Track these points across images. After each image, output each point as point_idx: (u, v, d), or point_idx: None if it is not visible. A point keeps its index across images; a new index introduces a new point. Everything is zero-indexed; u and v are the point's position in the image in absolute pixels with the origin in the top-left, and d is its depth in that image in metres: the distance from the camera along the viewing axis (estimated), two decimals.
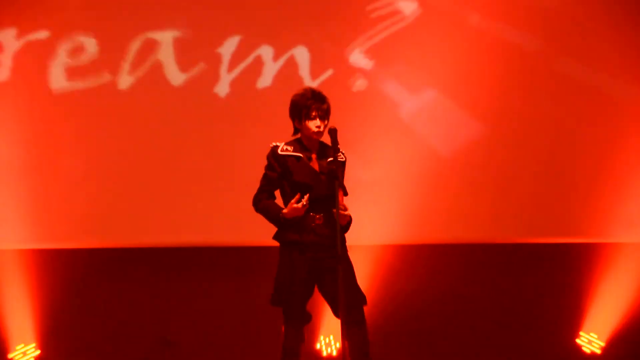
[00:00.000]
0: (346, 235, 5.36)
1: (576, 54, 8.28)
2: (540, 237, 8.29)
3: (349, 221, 5.30)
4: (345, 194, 5.41)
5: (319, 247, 5.25)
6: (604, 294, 8.18)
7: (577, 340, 8.15)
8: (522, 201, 8.15)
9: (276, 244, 5.41)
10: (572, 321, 8.20)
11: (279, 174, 5.29)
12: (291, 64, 8.07)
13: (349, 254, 5.38)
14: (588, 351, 8.10)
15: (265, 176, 5.35)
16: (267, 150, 5.40)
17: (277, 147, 5.34)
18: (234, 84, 8.04)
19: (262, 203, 5.32)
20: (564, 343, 8.17)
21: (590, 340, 8.11)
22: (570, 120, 8.23)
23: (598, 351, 8.08)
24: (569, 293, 8.24)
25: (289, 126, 5.44)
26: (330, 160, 5.24)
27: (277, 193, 5.56)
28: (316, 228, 5.26)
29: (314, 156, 5.34)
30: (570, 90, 8.23)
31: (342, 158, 5.41)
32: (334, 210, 4.99)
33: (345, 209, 5.17)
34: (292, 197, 5.18)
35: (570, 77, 8.23)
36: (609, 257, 8.23)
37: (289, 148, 5.34)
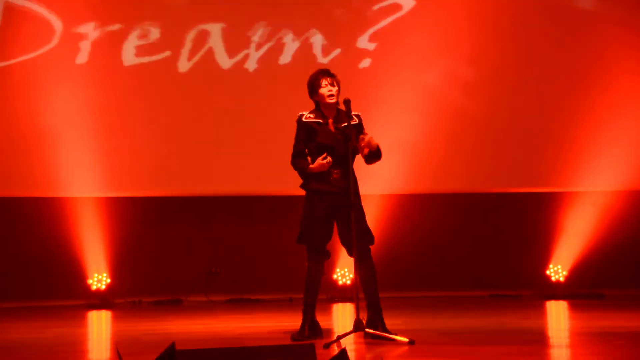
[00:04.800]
0: (360, 187, 5.79)
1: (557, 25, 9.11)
2: (518, 187, 9.21)
3: (377, 148, 5.70)
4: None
5: (336, 195, 5.69)
6: (568, 234, 9.22)
7: (547, 271, 9.27)
8: (504, 158, 9.04)
9: (301, 193, 5.82)
10: (543, 256, 9.29)
11: (305, 138, 5.81)
12: (306, 44, 8.96)
13: (362, 201, 5.82)
14: (554, 279, 9.24)
15: (295, 139, 5.87)
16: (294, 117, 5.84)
17: (302, 115, 5.84)
18: (260, 60, 8.95)
19: (295, 161, 5.85)
20: (536, 273, 9.25)
21: (557, 270, 9.24)
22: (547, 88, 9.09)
23: (562, 279, 9.22)
24: (541, 234, 9.28)
25: (303, 93, 5.70)
26: (345, 125, 5.67)
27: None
28: (334, 180, 5.71)
29: (330, 121, 5.77)
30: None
31: (355, 121, 5.78)
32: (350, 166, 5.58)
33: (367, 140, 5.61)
34: (317, 155, 5.70)
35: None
36: (571, 203, 9.25)
37: (310, 116, 5.81)
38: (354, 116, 5.82)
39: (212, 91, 8.92)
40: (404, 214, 9.11)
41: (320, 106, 5.86)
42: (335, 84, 5.82)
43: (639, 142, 9.08)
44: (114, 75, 8.84)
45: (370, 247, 5.82)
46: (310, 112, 5.87)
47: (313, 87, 5.84)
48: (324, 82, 5.79)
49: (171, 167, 8.87)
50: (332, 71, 5.90)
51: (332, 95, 5.76)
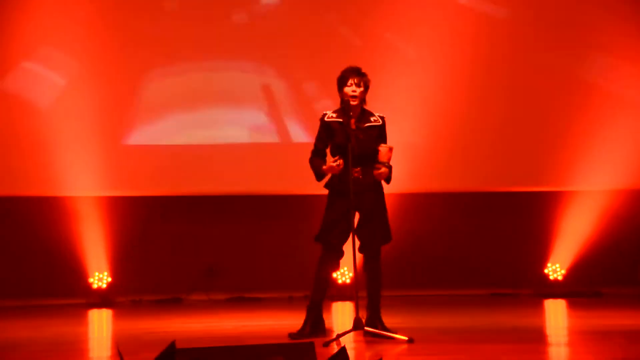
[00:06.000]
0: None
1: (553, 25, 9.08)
2: (517, 187, 9.22)
3: (388, 175, 5.75)
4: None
5: (355, 194, 5.58)
6: (566, 233, 9.23)
7: (545, 270, 9.29)
8: (502, 158, 9.05)
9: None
10: (541, 255, 9.30)
11: (325, 137, 5.81)
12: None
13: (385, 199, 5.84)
14: (552, 278, 9.27)
15: (316, 137, 5.86)
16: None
17: (325, 115, 5.82)
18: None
19: (312, 159, 5.84)
20: (534, 272, 9.27)
21: (555, 269, 9.26)
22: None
23: (560, 277, 9.25)
24: (539, 233, 9.28)
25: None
26: (368, 125, 5.72)
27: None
28: (353, 180, 5.60)
29: (352, 121, 5.73)
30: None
31: (377, 122, 5.80)
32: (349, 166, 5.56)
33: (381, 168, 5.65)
34: (335, 155, 5.70)
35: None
36: (570, 202, 9.25)
37: (333, 115, 5.78)
38: (378, 117, 5.82)
39: (212, 90, 8.91)
40: (403, 213, 8.75)
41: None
42: (362, 84, 5.75)
43: (637, 141, 9.06)
44: (114, 74, 8.84)
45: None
46: (334, 111, 5.83)
47: (339, 83, 5.80)
48: (350, 81, 5.73)
49: (172, 166, 8.85)
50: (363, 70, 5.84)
51: (354, 97, 5.71)
